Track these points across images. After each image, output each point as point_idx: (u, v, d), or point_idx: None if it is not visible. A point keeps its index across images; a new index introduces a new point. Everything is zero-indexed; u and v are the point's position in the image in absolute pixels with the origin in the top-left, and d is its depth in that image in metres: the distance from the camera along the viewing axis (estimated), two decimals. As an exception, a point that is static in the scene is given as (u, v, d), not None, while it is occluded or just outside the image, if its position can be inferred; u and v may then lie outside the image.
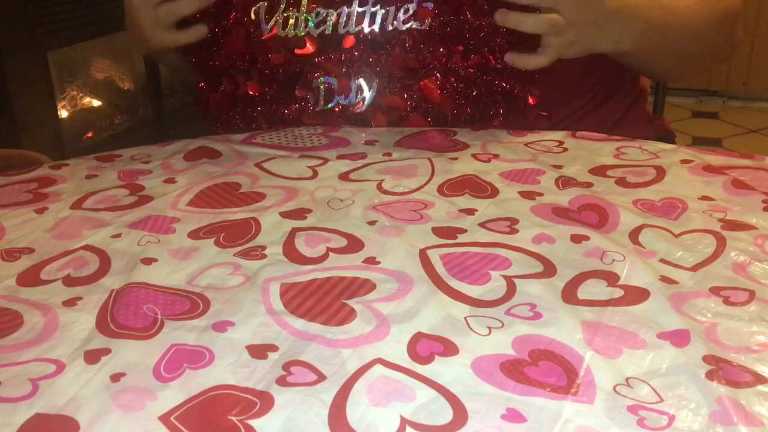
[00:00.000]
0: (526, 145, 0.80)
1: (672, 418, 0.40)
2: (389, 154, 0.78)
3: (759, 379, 0.43)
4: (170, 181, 0.73)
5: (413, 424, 0.40)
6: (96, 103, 2.41)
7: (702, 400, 0.41)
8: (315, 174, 0.74)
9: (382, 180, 0.71)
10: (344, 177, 0.73)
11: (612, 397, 0.42)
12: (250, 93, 0.85)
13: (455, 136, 0.83)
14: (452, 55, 0.81)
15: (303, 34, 0.82)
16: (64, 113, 2.24)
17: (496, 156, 0.76)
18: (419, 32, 0.81)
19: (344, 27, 0.82)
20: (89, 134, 2.34)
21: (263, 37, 0.83)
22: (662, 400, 0.41)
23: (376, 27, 0.81)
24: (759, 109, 3.44)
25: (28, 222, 0.66)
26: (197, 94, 0.91)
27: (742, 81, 3.45)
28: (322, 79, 0.83)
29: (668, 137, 1.02)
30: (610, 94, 0.99)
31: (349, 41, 0.82)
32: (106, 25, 2.22)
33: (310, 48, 0.83)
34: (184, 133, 0.90)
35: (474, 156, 0.77)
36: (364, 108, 0.84)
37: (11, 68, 1.91)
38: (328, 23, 0.81)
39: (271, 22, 0.83)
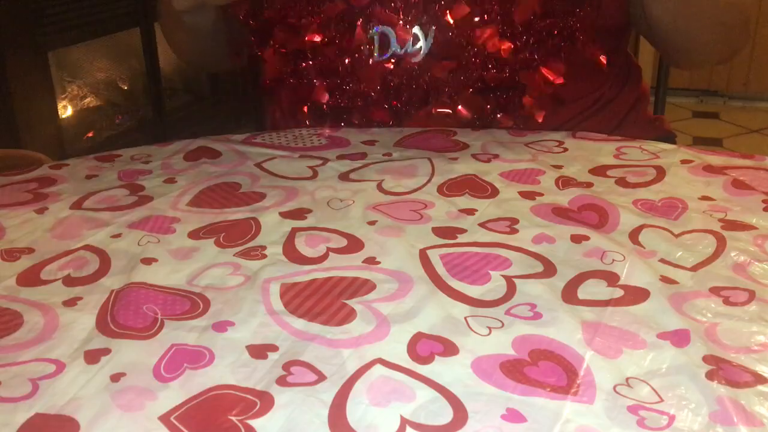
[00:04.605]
0: (526, 145, 0.80)
1: (672, 418, 0.40)
2: (389, 154, 0.78)
3: (759, 379, 0.43)
4: (170, 181, 0.73)
5: (413, 424, 0.40)
6: (96, 103, 2.41)
7: (702, 400, 0.41)
8: (315, 174, 0.74)
9: (382, 180, 0.71)
10: (344, 177, 0.73)
11: (612, 397, 0.42)
12: (307, 41, 0.81)
13: (455, 136, 0.83)
14: None
15: None
16: (64, 113, 2.24)
17: (496, 156, 0.76)
18: None
19: None
20: (89, 134, 2.34)
21: None
22: (662, 400, 0.41)
23: None
24: (759, 109, 3.44)
25: (28, 222, 0.66)
26: (252, 52, 0.87)
27: (743, 81, 3.45)
28: (376, 29, 0.81)
29: (669, 137, 1.02)
30: (614, 96, 0.98)
31: None
32: (106, 25, 2.22)
33: None
34: (184, 133, 0.90)
35: (474, 156, 0.77)
36: (420, 57, 0.81)
37: (11, 68, 1.91)
38: None
39: None
